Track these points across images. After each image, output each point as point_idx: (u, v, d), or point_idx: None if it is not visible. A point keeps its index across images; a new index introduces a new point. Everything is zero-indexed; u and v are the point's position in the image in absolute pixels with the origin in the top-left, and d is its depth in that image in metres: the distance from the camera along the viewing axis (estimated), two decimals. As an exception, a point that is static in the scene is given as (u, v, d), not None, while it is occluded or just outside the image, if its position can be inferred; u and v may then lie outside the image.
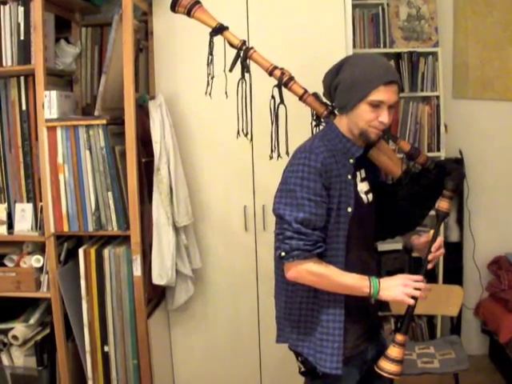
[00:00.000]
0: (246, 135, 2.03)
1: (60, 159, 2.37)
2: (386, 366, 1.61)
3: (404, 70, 3.09)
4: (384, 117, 1.57)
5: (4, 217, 2.51)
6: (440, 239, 1.68)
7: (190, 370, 2.80)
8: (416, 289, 1.57)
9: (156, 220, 2.42)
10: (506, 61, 3.22)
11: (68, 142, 2.36)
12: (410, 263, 3.05)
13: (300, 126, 1.86)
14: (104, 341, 2.45)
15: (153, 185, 2.43)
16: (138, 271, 2.39)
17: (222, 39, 1.89)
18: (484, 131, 3.29)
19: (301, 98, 1.81)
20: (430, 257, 1.66)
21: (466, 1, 3.22)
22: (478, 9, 3.22)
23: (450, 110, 3.21)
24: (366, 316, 1.74)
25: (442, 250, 1.69)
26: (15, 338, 2.52)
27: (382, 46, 3.14)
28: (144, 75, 2.70)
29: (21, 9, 2.36)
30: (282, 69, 1.82)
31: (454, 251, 3.26)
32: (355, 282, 1.58)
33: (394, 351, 1.62)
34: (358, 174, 1.69)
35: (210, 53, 1.94)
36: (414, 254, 1.91)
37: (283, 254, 1.56)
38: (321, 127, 1.82)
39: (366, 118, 1.58)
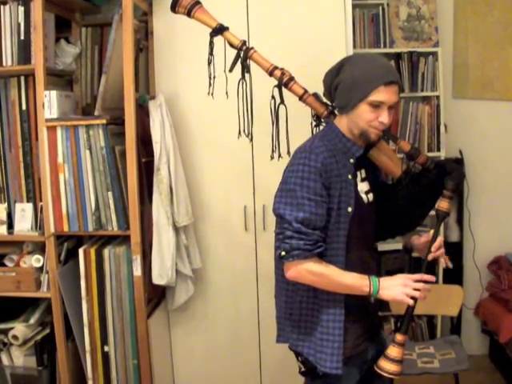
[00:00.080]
0: (247, 136, 2.03)
1: (60, 159, 2.37)
2: (386, 366, 1.61)
3: (404, 70, 3.09)
4: (384, 117, 1.57)
5: (4, 217, 2.51)
6: (440, 239, 1.68)
7: (190, 369, 2.80)
8: (416, 289, 1.57)
9: (156, 220, 2.42)
10: (506, 61, 3.22)
11: (68, 141, 2.36)
12: (410, 263, 3.06)
13: (300, 126, 1.86)
14: (104, 341, 2.46)
15: (153, 185, 2.43)
16: (138, 271, 2.39)
17: (222, 39, 1.89)
18: (484, 131, 3.29)
19: (301, 98, 1.81)
20: (429, 257, 1.66)
21: (466, 1, 3.22)
22: (478, 9, 3.22)
23: (450, 109, 3.21)
24: (366, 316, 1.74)
25: (442, 250, 1.69)
26: (15, 337, 2.52)
27: (382, 46, 3.14)
28: (144, 75, 2.70)
29: (21, 9, 2.36)
30: (282, 69, 1.82)
31: (454, 251, 3.26)
32: (355, 282, 1.58)
33: (393, 351, 1.62)
34: (358, 173, 1.69)
35: (211, 53, 1.94)
36: (414, 254, 1.91)
37: (283, 253, 1.56)
38: (321, 127, 1.81)
39: (366, 118, 1.58)
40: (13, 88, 2.49)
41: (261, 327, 2.72)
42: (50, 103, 2.33)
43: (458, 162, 3.17)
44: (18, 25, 2.37)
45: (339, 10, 2.52)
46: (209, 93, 1.98)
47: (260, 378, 2.78)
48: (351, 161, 1.64)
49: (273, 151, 1.95)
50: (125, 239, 2.46)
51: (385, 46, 3.13)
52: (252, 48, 1.85)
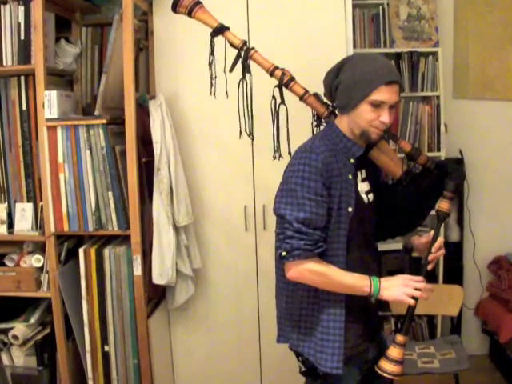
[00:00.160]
0: (249, 135, 2.03)
1: (60, 159, 2.37)
2: (387, 367, 1.61)
3: (404, 70, 3.09)
4: (385, 117, 1.57)
5: (4, 216, 2.51)
6: (440, 239, 1.69)
7: (190, 369, 2.80)
8: (417, 289, 1.57)
9: (156, 220, 2.42)
10: (506, 61, 3.22)
11: (68, 141, 2.36)
12: (410, 263, 3.06)
13: (301, 126, 1.87)
14: (104, 340, 2.45)
15: (153, 184, 2.43)
16: (138, 271, 2.39)
17: (222, 39, 1.89)
18: (484, 131, 3.29)
19: (301, 98, 1.81)
20: (430, 257, 1.66)
21: (467, 1, 3.22)
22: (479, 9, 3.22)
23: (451, 109, 3.21)
24: (367, 316, 1.74)
25: (443, 251, 1.69)
26: (15, 337, 2.52)
27: (382, 45, 3.14)
28: (144, 75, 2.70)
29: (21, 8, 2.36)
30: (282, 69, 1.82)
31: (455, 251, 3.26)
32: (356, 282, 1.58)
33: (394, 351, 1.63)
34: (358, 174, 1.69)
35: (211, 53, 1.94)
36: (414, 254, 1.91)
37: (284, 253, 1.56)
38: (321, 127, 1.81)
39: (366, 117, 1.58)
40: (13, 88, 2.49)
41: (261, 327, 2.72)
42: (50, 103, 2.33)
43: (458, 162, 3.17)
44: (18, 24, 2.37)
45: (339, 9, 2.52)
46: (210, 93, 1.98)
47: (260, 378, 2.78)
48: (351, 161, 1.64)
49: (275, 151, 1.95)
50: (125, 239, 2.46)
51: (385, 46, 3.13)
52: (253, 48, 1.85)
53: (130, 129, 2.33)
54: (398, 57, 3.10)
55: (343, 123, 1.66)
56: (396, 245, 2.96)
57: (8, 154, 2.53)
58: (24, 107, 2.48)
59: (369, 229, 1.74)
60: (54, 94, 2.32)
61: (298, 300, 1.68)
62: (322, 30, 2.52)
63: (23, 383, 2.56)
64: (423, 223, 1.93)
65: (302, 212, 1.54)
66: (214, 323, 2.75)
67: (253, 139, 2.05)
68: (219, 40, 1.91)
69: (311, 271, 1.57)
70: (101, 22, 2.79)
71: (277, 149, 1.95)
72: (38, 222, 2.48)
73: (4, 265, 2.53)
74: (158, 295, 2.65)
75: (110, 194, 2.37)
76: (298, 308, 1.69)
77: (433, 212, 1.79)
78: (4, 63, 2.41)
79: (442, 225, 1.74)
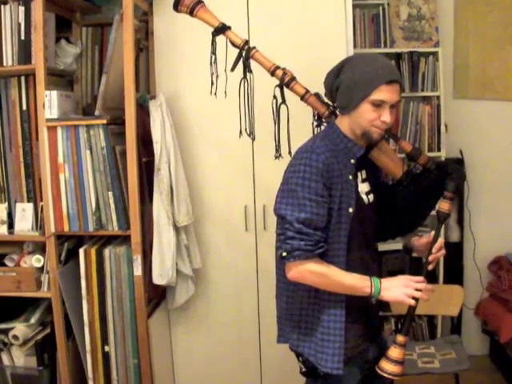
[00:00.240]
0: (249, 135, 2.03)
1: (60, 159, 2.37)
2: (387, 367, 1.61)
3: (404, 70, 3.08)
4: (386, 116, 1.57)
5: (4, 216, 2.51)
6: (441, 240, 1.69)
7: (190, 369, 2.80)
8: (417, 290, 1.57)
9: (156, 220, 2.42)
10: (506, 61, 3.22)
11: (68, 141, 2.36)
12: (410, 263, 3.06)
13: (301, 126, 1.86)
14: (104, 340, 2.45)
15: (153, 185, 2.43)
16: (138, 271, 2.39)
17: (223, 39, 1.89)
18: (484, 131, 3.29)
19: (302, 97, 1.81)
20: (430, 258, 1.66)
21: (467, 1, 3.22)
22: (479, 9, 3.21)
23: (451, 109, 3.21)
24: (367, 316, 1.74)
25: (443, 251, 1.69)
26: (16, 337, 2.52)
27: (382, 45, 3.13)
28: (144, 75, 2.70)
29: (21, 8, 2.36)
30: (283, 69, 1.82)
31: (455, 251, 3.26)
32: (356, 282, 1.58)
33: (394, 352, 1.63)
34: (359, 174, 1.69)
35: (213, 52, 1.94)
36: (415, 255, 1.91)
37: (284, 254, 1.56)
38: (322, 127, 1.81)
39: (368, 117, 1.58)
40: (13, 88, 2.49)
41: (261, 327, 2.72)
42: (50, 103, 2.33)
43: (459, 162, 3.17)
44: (19, 25, 2.37)
45: (339, 9, 2.52)
46: (211, 92, 1.98)
47: (260, 378, 2.78)
48: (352, 161, 1.64)
49: (276, 151, 1.95)
50: (125, 239, 2.46)
51: (385, 46, 3.13)
52: (254, 47, 1.85)
53: (131, 129, 2.33)
54: (398, 57, 3.10)
55: (344, 124, 1.66)
56: (396, 245, 2.96)
57: (8, 154, 2.53)
58: (24, 107, 2.48)
59: (369, 229, 1.74)
60: (54, 94, 2.32)
61: (299, 300, 1.68)
62: (322, 30, 2.52)
63: (23, 383, 2.56)
64: (423, 223, 1.92)
65: (303, 212, 1.54)
66: (214, 323, 2.75)
67: (254, 139, 2.05)
68: (220, 39, 1.91)
69: (312, 272, 1.56)
70: (101, 22, 2.79)
71: (278, 149, 1.95)
72: (39, 222, 2.49)
73: (4, 265, 2.53)
74: (158, 295, 2.65)
75: (111, 194, 2.37)
76: (299, 308, 1.69)
77: (433, 212, 1.79)
78: (4, 63, 2.41)
79: (443, 225, 1.73)
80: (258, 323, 2.72)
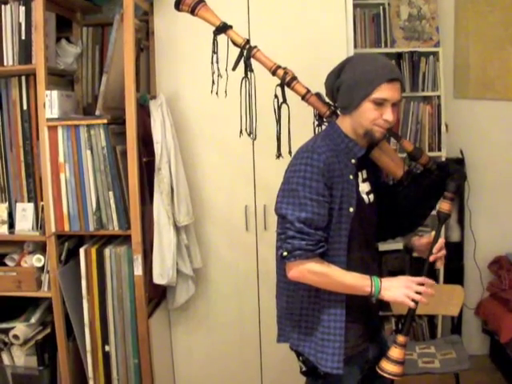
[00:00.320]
0: (249, 134, 2.03)
1: (61, 159, 2.37)
2: (388, 367, 1.62)
3: (405, 70, 3.09)
4: (388, 114, 1.57)
5: (5, 216, 2.51)
6: (442, 240, 1.68)
7: (190, 369, 2.80)
8: (417, 292, 1.57)
9: (157, 219, 2.42)
10: (506, 61, 3.22)
11: (69, 141, 2.36)
12: (410, 263, 3.06)
13: (302, 126, 1.87)
14: (105, 340, 2.46)
15: (154, 184, 2.43)
16: (138, 271, 2.39)
17: (224, 38, 1.89)
18: (485, 131, 3.29)
19: (303, 97, 1.81)
20: (431, 258, 1.66)
21: (467, 0, 3.22)
22: (479, 9, 3.21)
23: (451, 109, 3.21)
24: (367, 316, 1.74)
25: (444, 252, 1.69)
26: (16, 337, 2.52)
27: (382, 45, 3.14)
28: (145, 75, 2.70)
29: (22, 8, 2.36)
30: (285, 68, 1.82)
31: (455, 251, 3.26)
32: (357, 282, 1.58)
33: (395, 352, 1.63)
34: (359, 174, 1.69)
35: (214, 51, 1.94)
36: (415, 254, 1.91)
37: (285, 253, 1.56)
38: (323, 127, 1.81)
39: (370, 116, 1.58)
40: (14, 88, 2.48)
41: (262, 327, 2.72)
42: (51, 103, 2.33)
43: (459, 162, 3.17)
44: (19, 24, 2.37)
45: (340, 9, 2.52)
46: (212, 91, 1.98)
47: (261, 377, 2.78)
48: (353, 161, 1.64)
49: (278, 150, 1.94)
50: (126, 239, 2.46)
51: (386, 46, 3.13)
52: (255, 47, 1.85)
53: (131, 129, 2.33)
54: (398, 57, 3.10)
55: (345, 123, 1.66)
56: (396, 245, 2.96)
57: (9, 154, 2.53)
58: (25, 107, 2.48)
59: (369, 229, 1.74)
60: (54, 93, 2.32)
61: (299, 300, 1.68)
62: (322, 30, 2.52)
63: (24, 383, 2.56)
64: (424, 223, 1.92)
65: (304, 212, 1.54)
66: (214, 323, 2.75)
67: (255, 138, 2.05)
68: (221, 39, 1.91)
69: (312, 271, 1.56)
70: (101, 21, 2.79)
71: (279, 148, 1.94)
72: (39, 221, 2.49)
73: (5, 265, 2.53)
74: (158, 295, 2.65)
75: (111, 193, 2.37)
76: (299, 308, 1.69)
77: (433, 212, 1.79)
78: (5, 63, 2.41)
79: (443, 225, 1.73)
80: (258, 323, 2.72)
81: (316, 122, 1.86)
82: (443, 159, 3.08)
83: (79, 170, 2.37)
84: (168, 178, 2.42)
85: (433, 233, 1.71)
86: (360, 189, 1.68)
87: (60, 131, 2.36)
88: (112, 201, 2.38)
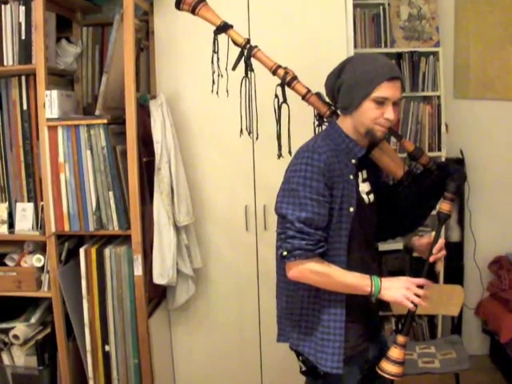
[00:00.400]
0: (249, 134, 2.03)
1: (61, 159, 2.37)
2: (388, 368, 1.62)
3: (405, 70, 3.09)
4: (389, 113, 1.57)
5: (5, 216, 2.51)
6: (442, 241, 1.68)
7: (190, 369, 2.80)
8: (417, 294, 1.57)
9: (157, 219, 2.42)
10: (507, 60, 3.22)
11: (69, 141, 2.36)
12: (410, 263, 3.05)
13: (303, 126, 1.86)
14: (105, 340, 2.46)
15: (154, 184, 2.43)
16: (138, 271, 2.39)
17: (225, 38, 1.89)
18: (485, 131, 3.29)
19: (304, 97, 1.81)
20: (431, 258, 1.66)
21: (467, 0, 3.22)
22: (479, 9, 3.21)
23: (451, 109, 3.21)
24: (367, 315, 1.74)
25: (444, 252, 1.69)
26: (16, 337, 2.52)
27: (382, 45, 3.14)
28: (145, 75, 2.70)
29: (22, 8, 2.36)
30: (285, 68, 1.82)
31: (455, 251, 3.26)
32: (357, 281, 1.59)
33: (395, 352, 1.63)
34: (359, 174, 1.69)
35: (215, 51, 1.94)
36: (415, 254, 1.91)
37: (285, 253, 1.56)
38: (323, 127, 1.81)
39: (371, 115, 1.58)
40: (14, 88, 2.48)
41: (262, 327, 2.72)
42: (50, 103, 2.33)
43: (459, 162, 3.17)
44: (19, 24, 2.37)
45: (340, 9, 2.52)
46: (212, 91, 1.98)
47: (261, 377, 2.78)
48: (353, 161, 1.64)
49: (279, 150, 1.94)
50: (126, 239, 2.46)
51: (386, 46, 3.13)
52: (256, 46, 1.85)
53: (131, 129, 2.33)
54: (398, 57, 3.10)
55: (346, 123, 1.66)
56: (396, 245, 2.96)
57: (9, 154, 2.53)
58: (25, 107, 2.47)
59: (369, 229, 1.74)
60: (54, 93, 2.32)
61: (299, 300, 1.68)
62: (322, 30, 2.52)
63: (24, 383, 2.56)
64: (424, 223, 1.92)
65: (304, 212, 1.54)
66: (214, 323, 2.75)
67: (257, 138, 2.04)
68: (221, 38, 1.91)
69: (312, 271, 1.56)
70: (101, 21, 2.79)
71: (280, 148, 1.94)
72: (39, 221, 2.49)
73: (5, 264, 2.53)
74: (158, 295, 2.65)
75: (111, 193, 2.37)
76: (299, 308, 1.69)
77: (433, 212, 1.79)
78: (5, 63, 2.41)
79: (443, 226, 1.73)
80: (258, 323, 2.72)
81: (316, 122, 1.86)
82: (443, 159, 3.08)
83: (79, 169, 2.37)
84: (168, 178, 2.42)
85: (433, 233, 1.71)
86: (360, 189, 1.68)
87: (60, 131, 2.36)
88: (112, 201, 2.38)
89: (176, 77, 2.59)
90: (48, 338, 2.56)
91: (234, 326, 2.74)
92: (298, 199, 1.55)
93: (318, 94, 1.81)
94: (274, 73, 1.82)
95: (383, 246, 2.89)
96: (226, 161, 2.63)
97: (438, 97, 3.10)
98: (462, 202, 3.27)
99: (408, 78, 3.09)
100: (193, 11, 1.91)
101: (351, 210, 1.60)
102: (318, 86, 1.78)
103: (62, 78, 2.70)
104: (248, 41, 1.86)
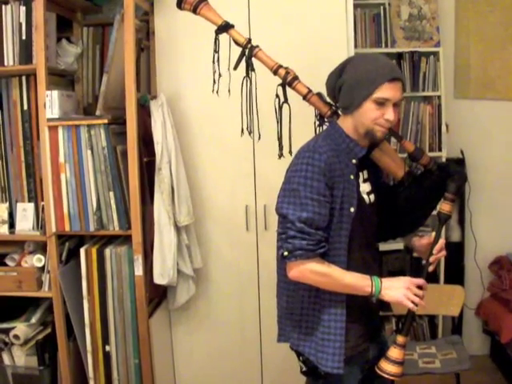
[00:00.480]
0: (250, 134, 2.03)
1: (61, 159, 2.37)
2: (387, 368, 1.62)
3: (405, 70, 3.09)
4: (390, 114, 1.57)
5: (5, 216, 2.51)
6: (442, 241, 1.68)
7: (191, 369, 2.80)
8: (416, 295, 1.57)
9: (157, 220, 2.42)
10: (507, 60, 3.22)
11: (69, 141, 2.36)
12: (411, 263, 3.06)
13: (303, 126, 1.86)
14: (105, 340, 2.46)
15: (154, 184, 2.43)
16: (139, 271, 2.39)
17: (226, 38, 1.89)
18: (485, 131, 3.29)
19: (305, 97, 1.81)
20: (431, 259, 1.66)
21: (468, 0, 3.22)
22: (480, 8, 3.21)
23: (452, 109, 3.21)
24: (368, 316, 1.74)
25: (444, 252, 1.69)
26: (16, 337, 2.52)
27: (383, 45, 3.14)
28: (145, 75, 2.70)
29: (22, 8, 2.36)
30: (286, 68, 1.82)
31: (456, 251, 3.26)
32: (357, 282, 1.59)
33: (394, 352, 1.63)
34: (360, 174, 1.69)
35: (216, 50, 1.94)
36: (415, 254, 1.91)
37: (286, 253, 1.56)
38: (324, 127, 1.81)
39: (371, 116, 1.58)
40: (14, 88, 2.48)
41: (262, 327, 2.72)
42: (51, 103, 2.33)
43: (460, 162, 3.17)
44: (20, 24, 2.37)
45: (340, 9, 2.51)
46: (213, 90, 1.98)
47: (261, 377, 2.78)
48: (354, 161, 1.64)
49: (280, 150, 1.94)
50: (126, 239, 2.46)
51: (386, 46, 3.14)
52: (257, 46, 1.85)
53: (132, 129, 2.33)
54: (399, 57, 3.10)
55: (347, 123, 1.66)
56: (397, 245, 2.96)
57: (9, 154, 2.53)
58: (25, 107, 2.48)
59: (370, 229, 1.74)
60: (55, 93, 2.33)
61: (299, 300, 1.68)
62: (323, 30, 2.52)
63: (24, 383, 2.56)
64: (424, 223, 1.92)
65: (305, 212, 1.54)
66: (215, 323, 2.75)
67: (259, 138, 2.04)
68: (222, 38, 1.91)
69: (313, 271, 1.56)
70: (102, 21, 2.79)
71: (281, 148, 1.94)
72: (40, 221, 2.49)
73: (5, 265, 2.53)
74: (159, 295, 2.65)
75: (112, 193, 2.37)
76: (299, 308, 1.69)
77: (434, 212, 1.79)
78: (5, 63, 2.41)
79: (443, 226, 1.73)
80: (258, 323, 2.72)
81: (317, 122, 1.86)
82: (444, 159, 3.08)
83: (80, 170, 2.37)
84: (168, 178, 2.42)
85: (433, 233, 1.71)
86: (361, 189, 1.68)
87: (60, 131, 2.36)
88: (112, 201, 2.38)
89: (176, 77, 2.60)
90: (48, 338, 2.56)
91: (234, 326, 2.74)
92: (298, 199, 1.55)
93: (319, 94, 1.80)
94: (275, 73, 1.82)
95: (384, 246, 2.89)
96: (227, 161, 2.63)
97: (439, 97, 3.10)
98: (462, 202, 3.27)
99: (408, 78, 3.09)
100: (194, 11, 1.91)
101: (352, 210, 1.60)
102: (319, 85, 1.78)
103: (62, 78, 2.70)
104: (249, 40, 1.86)
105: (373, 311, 1.78)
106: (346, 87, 1.61)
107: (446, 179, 1.69)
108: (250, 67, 1.88)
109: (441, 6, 3.17)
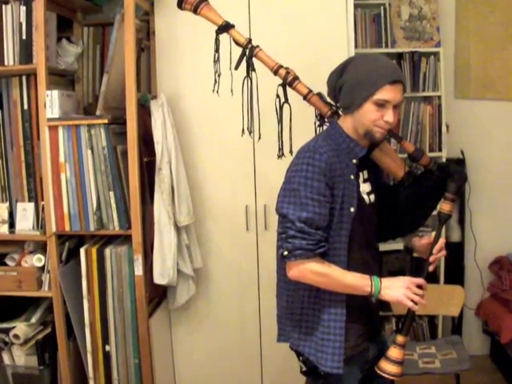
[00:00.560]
0: (250, 134, 2.03)
1: (62, 158, 2.37)
2: (387, 367, 1.62)
3: (406, 70, 3.09)
4: (389, 116, 1.57)
5: (5, 216, 2.51)
6: (442, 241, 1.69)
7: (191, 369, 2.80)
8: (416, 294, 1.58)
9: (157, 219, 2.42)
10: (507, 61, 3.22)
11: (70, 141, 2.36)
12: (411, 264, 3.06)
13: (304, 126, 1.86)
14: (105, 340, 2.46)
15: (154, 184, 2.43)
16: (139, 271, 2.39)
17: (226, 38, 1.89)
18: (485, 131, 3.29)
19: (305, 97, 1.81)
20: (431, 259, 1.66)
21: (468, 1, 3.22)
22: (480, 9, 3.21)
23: (452, 109, 3.21)
24: (368, 315, 1.74)
25: (444, 252, 1.69)
26: (16, 337, 2.52)
27: (383, 46, 3.14)
28: (146, 75, 2.70)
29: (23, 8, 2.36)
30: (287, 68, 1.82)
31: (456, 251, 3.26)
32: (357, 281, 1.59)
33: (394, 352, 1.63)
34: (360, 174, 1.69)
35: (216, 50, 1.94)
36: (415, 255, 1.91)
37: (286, 253, 1.56)
38: (324, 127, 1.81)
39: (371, 117, 1.58)
40: (14, 87, 2.48)
41: (262, 326, 2.72)
42: (51, 103, 2.33)
43: (460, 162, 3.17)
44: (20, 24, 2.37)
45: (341, 9, 2.52)
46: (214, 90, 1.98)
47: (261, 377, 2.78)
48: (354, 161, 1.64)
49: (279, 150, 1.94)
50: (126, 239, 2.46)
51: (386, 46, 3.13)
52: (257, 46, 1.85)
53: (132, 129, 2.33)
54: (399, 57, 3.10)
55: (347, 123, 1.66)
56: (397, 245, 2.96)
57: (9, 154, 2.53)
58: (26, 107, 2.47)
59: (370, 229, 1.74)
60: (55, 93, 2.33)
61: (299, 299, 1.68)
62: (323, 30, 2.52)
63: (24, 383, 2.56)
64: (424, 224, 1.92)
65: (305, 212, 1.54)
66: (215, 323, 2.75)
67: (259, 138, 2.04)
68: (223, 38, 1.91)
69: (313, 271, 1.57)
70: (102, 21, 2.79)
71: (281, 148, 1.94)
72: (40, 221, 2.49)
73: (5, 264, 2.53)
74: (159, 295, 2.65)
75: (112, 193, 2.37)
76: (299, 307, 1.69)
77: (434, 212, 1.79)
78: (6, 63, 2.41)
79: (443, 226, 1.73)
80: (258, 323, 2.72)
81: (317, 122, 1.86)
82: (444, 159, 3.08)
83: (80, 169, 2.37)
84: (169, 178, 2.42)
85: (433, 233, 1.71)
86: (361, 189, 1.68)
87: (61, 131, 2.36)
88: (113, 201, 2.38)
89: (177, 77, 2.60)
90: (48, 337, 2.56)
91: (234, 326, 2.74)
92: (298, 199, 1.55)
93: (320, 95, 1.80)
94: (276, 73, 1.82)
95: (384, 246, 2.89)
96: (227, 161, 2.63)
97: (439, 97, 3.10)
98: (462, 202, 3.27)
99: (409, 78, 3.09)
100: (195, 11, 1.91)
101: (352, 210, 1.60)
102: (319, 86, 1.78)
103: (62, 78, 2.70)
104: (250, 40, 1.86)
105: (373, 311, 1.78)
106: (346, 87, 1.61)
107: (446, 179, 1.69)
108: (250, 67, 1.88)
109: (441, 6, 3.17)
